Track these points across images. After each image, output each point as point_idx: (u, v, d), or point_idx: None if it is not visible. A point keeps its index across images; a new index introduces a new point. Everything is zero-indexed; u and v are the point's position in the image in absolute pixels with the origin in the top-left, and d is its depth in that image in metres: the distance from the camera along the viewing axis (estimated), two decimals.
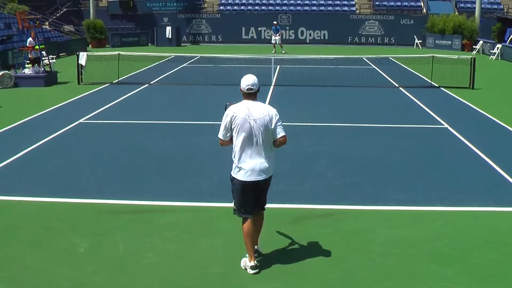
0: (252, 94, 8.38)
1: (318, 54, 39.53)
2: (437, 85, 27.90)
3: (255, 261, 8.52)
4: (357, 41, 56.52)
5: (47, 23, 53.30)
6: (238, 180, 8.34)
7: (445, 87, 27.34)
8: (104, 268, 8.66)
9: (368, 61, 38.42)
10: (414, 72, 33.65)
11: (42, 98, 24.41)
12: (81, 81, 28.58)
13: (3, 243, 9.66)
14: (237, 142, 8.29)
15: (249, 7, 59.81)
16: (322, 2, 59.66)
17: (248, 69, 32.95)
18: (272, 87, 27.04)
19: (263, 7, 59.73)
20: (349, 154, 15.36)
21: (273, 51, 45.91)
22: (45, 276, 8.40)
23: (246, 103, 8.37)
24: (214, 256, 9.04)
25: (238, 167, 8.31)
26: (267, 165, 8.34)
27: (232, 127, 8.29)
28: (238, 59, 36.08)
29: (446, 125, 18.85)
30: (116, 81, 28.91)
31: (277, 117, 8.37)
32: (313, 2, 59.88)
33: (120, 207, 11.34)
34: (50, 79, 28.56)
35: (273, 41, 47.86)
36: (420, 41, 54.03)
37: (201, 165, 14.28)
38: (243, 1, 60.38)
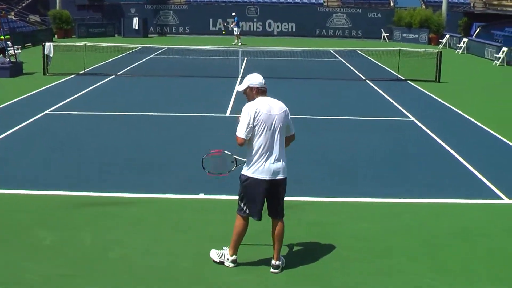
0: (265, 91, 8.21)
1: (286, 46, 39.58)
2: (403, 78, 28.09)
3: (236, 256, 8.45)
4: (325, 33, 56.65)
5: (12, 13, 52.67)
6: (255, 179, 8.03)
7: (411, 80, 27.54)
8: (71, 262, 8.59)
9: (335, 54, 38.55)
10: (381, 65, 33.85)
11: (6, 89, 24.13)
12: (47, 72, 28.31)
13: None
14: (259, 139, 8.00)
15: None
16: None
17: (215, 60, 32.97)
18: (239, 79, 27.00)
19: None
20: (314, 146, 15.40)
21: (237, 43, 45.91)
22: (12, 271, 8.31)
23: (265, 100, 8.14)
24: (182, 251, 9.01)
25: (258, 165, 8.02)
26: (284, 164, 8.16)
27: (255, 124, 7.99)
28: (205, 51, 35.98)
29: (412, 118, 18.99)
30: (82, 72, 28.68)
31: (288, 113, 8.28)
32: None
33: (86, 199, 11.24)
34: (15, 70, 28.24)
35: (235, 33, 47.88)
36: (387, 34, 54.32)
37: (169, 157, 14.23)
38: None
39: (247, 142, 8.02)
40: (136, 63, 33.20)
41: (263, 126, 7.96)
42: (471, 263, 8.82)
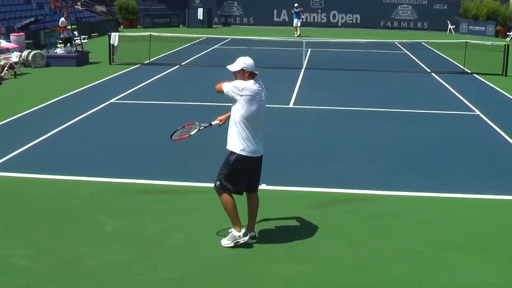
0: (255, 75, 8.58)
1: (350, 37, 39.32)
2: (469, 71, 27.64)
3: (245, 228, 8.78)
4: (390, 25, 56.04)
5: (79, 3, 53.44)
6: (245, 156, 8.51)
7: (477, 74, 27.07)
8: (130, 248, 8.73)
9: (400, 46, 38.13)
10: (446, 57, 33.36)
11: (73, 77, 24.55)
12: (113, 62, 28.71)
13: (31, 221, 9.76)
14: (249, 119, 8.44)
15: None
16: None
17: (279, 51, 32.93)
18: (302, 70, 26.97)
19: None
20: (377, 139, 15.29)
21: (298, 34, 45.73)
22: (73, 255, 8.48)
23: (256, 83, 8.55)
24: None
25: (249, 143, 8.48)
26: (262, 141, 8.71)
27: (243, 101, 8.39)
28: (269, 42, 35.97)
29: (477, 112, 18.69)
30: (147, 62, 28.99)
31: None
32: None
33: (146, 187, 11.42)
34: (81, 59, 28.72)
35: (295, 24, 47.58)
36: (453, 26, 53.48)
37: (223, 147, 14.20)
38: None
39: (241, 122, 8.45)
40: (200, 54, 33.38)
41: (252, 106, 8.39)
42: None
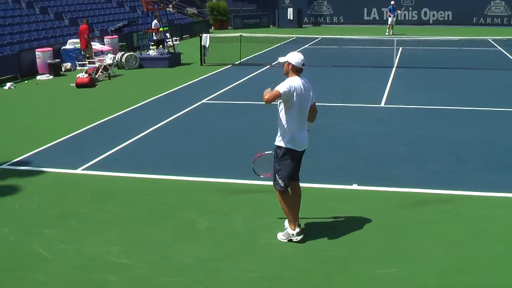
0: (300, 71, 8.76)
1: (442, 35, 38.72)
2: None
3: (300, 227, 8.95)
4: (482, 22, 54.89)
5: (171, 5, 54.32)
6: (294, 150, 8.72)
7: None
8: (221, 246, 8.87)
9: (493, 43, 37.31)
10: None
11: (166, 78, 25.00)
12: (204, 62, 29.08)
13: (125, 218, 10.02)
14: (293, 114, 8.63)
15: None
16: None
17: (370, 50, 32.70)
18: (394, 69, 26.72)
19: None
20: (470, 138, 15.01)
21: (390, 33, 45.13)
22: (165, 252, 8.68)
23: (301, 79, 8.71)
24: (331, 238, 9.05)
25: (293, 138, 8.68)
26: (308, 137, 8.95)
27: (294, 99, 8.54)
28: (360, 41, 35.75)
29: None
30: (238, 62, 29.23)
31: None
32: None
33: (235, 186, 11.56)
34: (174, 60, 29.20)
35: (390, 22, 46.83)
36: None
37: (327, 145, 14.20)
38: None
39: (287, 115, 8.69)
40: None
41: (298, 102, 8.60)
42: None
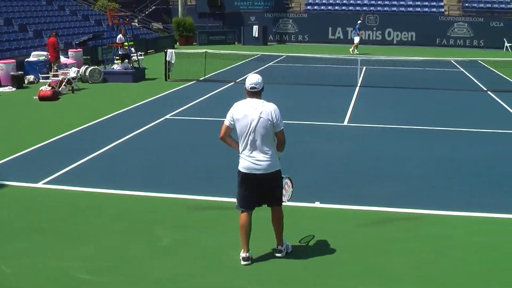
0: (255, 93, 8.64)
1: (405, 55, 39.08)
2: None
3: (248, 253, 8.80)
4: (445, 43, 55.56)
5: (136, 20, 54.21)
6: (243, 172, 8.68)
7: None
8: (190, 263, 8.83)
9: (456, 64, 37.78)
10: (503, 76, 32.92)
11: (130, 93, 24.91)
12: (168, 78, 29.02)
13: (90, 234, 9.92)
14: (239, 135, 8.64)
15: (336, 7, 59.40)
16: (410, 3, 58.81)
17: (334, 69, 32.89)
18: (357, 88, 26.90)
19: (350, 7, 59.24)
20: (434, 158, 15.15)
21: (354, 52, 45.37)
22: (130, 268, 8.62)
23: (248, 101, 8.65)
24: (300, 257, 9.04)
25: (242, 159, 8.67)
26: (265, 161, 8.54)
27: (235, 123, 8.63)
28: (324, 59, 35.96)
29: None
30: (202, 78, 29.22)
31: (277, 113, 8.56)
32: (401, 2, 59.05)
33: (205, 203, 11.52)
34: (138, 75, 29.11)
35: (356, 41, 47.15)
36: (510, 44, 52.81)
37: (289, 164, 14.22)
38: (330, 1, 59.94)
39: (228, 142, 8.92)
40: (256, 70, 33.45)
41: (240, 125, 8.58)
42: None
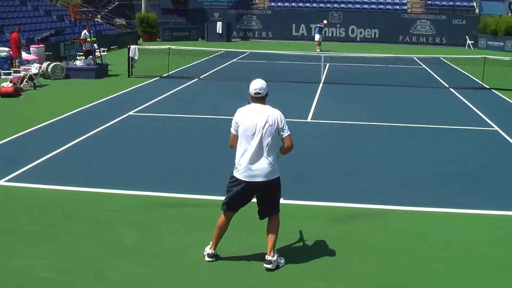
0: (259, 98, 8.53)
1: (368, 52, 39.29)
2: (488, 87, 27.53)
3: (214, 250, 8.75)
4: (408, 40, 56.01)
5: (99, 16, 53.82)
6: (236, 178, 8.46)
7: (496, 89, 26.95)
8: (153, 261, 8.74)
9: (418, 61, 38.07)
10: (465, 73, 33.24)
11: (92, 90, 24.69)
12: (132, 74, 28.84)
13: (52, 232, 9.80)
14: (240, 139, 8.44)
15: (299, 4, 59.58)
16: (374, 0, 59.22)
17: (298, 66, 32.94)
18: (321, 84, 26.98)
19: (314, 4, 59.45)
20: (398, 154, 15.26)
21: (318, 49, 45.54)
22: (94, 267, 8.51)
23: (252, 106, 8.52)
24: (262, 253, 9.03)
25: (238, 164, 8.46)
26: (267, 168, 8.38)
27: (237, 127, 8.44)
28: (288, 56, 36.02)
29: (496, 128, 18.60)
30: (166, 74, 29.09)
31: (282, 119, 8.48)
32: (364, 0, 59.48)
33: (166, 200, 11.43)
34: (100, 71, 28.88)
35: (317, 39, 47.42)
36: (472, 41, 53.36)
37: None
38: None
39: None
40: (219, 67, 33.47)
41: (242, 130, 8.38)
42: None
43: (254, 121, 8.34)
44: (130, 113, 19.59)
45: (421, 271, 8.64)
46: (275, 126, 8.36)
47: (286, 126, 8.49)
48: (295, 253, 9.06)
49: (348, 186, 12.54)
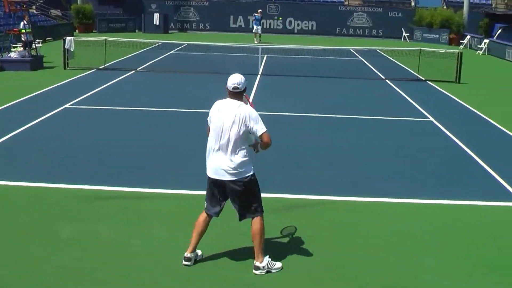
0: (236, 94, 8.28)
1: (306, 44, 39.51)
2: (423, 79, 27.98)
3: (191, 254, 8.42)
4: (345, 32, 56.54)
5: (34, 7, 52.95)
6: (207, 176, 8.34)
7: (431, 81, 27.42)
8: (92, 255, 8.64)
9: (355, 53, 38.46)
10: (401, 65, 33.73)
11: (28, 82, 24.27)
12: (67, 66, 28.46)
13: None
14: (210, 136, 8.28)
15: None
16: None
17: (235, 57, 32.94)
18: (258, 76, 27.02)
19: None
20: (336, 145, 15.40)
21: (257, 41, 45.61)
22: (32, 262, 8.38)
23: (226, 101, 8.30)
24: (202, 244, 9.02)
25: (207, 160, 8.32)
26: (231, 167, 8.13)
27: (209, 121, 8.32)
28: (225, 48, 35.98)
29: (431, 119, 18.92)
30: (102, 66, 28.79)
31: (252, 118, 8.19)
32: None
33: (105, 193, 11.31)
34: (36, 63, 28.40)
35: (254, 30, 47.55)
36: (408, 34, 54.11)
37: (187, 153, 14.25)
38: None
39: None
40: (156, 59, 33.26)
41: (212, 125, 8.23)
42: (502, 264, 8.81)
43: (222, 118, 8.11)
44: (66, 105, 19.32)
45: (359, 259, 8.74)
46: (242, 125, 8.08)
47: (260, 124, 8.19)
48: (229, 246, 9.03)
49: (286, 177, 12.60)
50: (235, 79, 8.25)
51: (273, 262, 8.35)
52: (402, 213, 10.82)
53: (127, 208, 10.53)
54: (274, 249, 8.83)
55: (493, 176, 13.14)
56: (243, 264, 8.44)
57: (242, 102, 8.26)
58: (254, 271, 8.23)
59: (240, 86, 8.24)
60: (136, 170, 12.86)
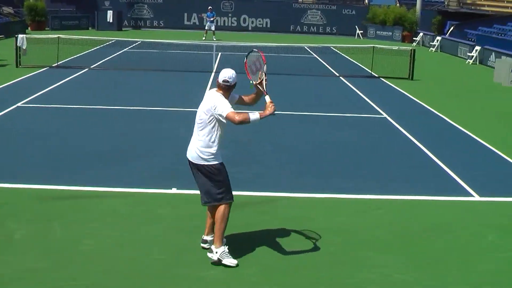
0: (225, 88, 8.46)
1: (260, 41, 39.57)
2: (377, 76, 28.24)
3: (206, 236, 8.84)
4: (299, 30, 56.69)
5: None
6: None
7: (385, 78, 27.69)
8: (43, 255, 8.57)
9: (309, 50, 38.61)
10: (354, 62, 33.98)
11: None
12: (20, 64, 28.11)
13: None
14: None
15: None
16: None
17: (190, 55, 32.88)
18: (213, 74, 26.98)
19: None
20: (289, 142, 15.47)
21: (204, 38, 45.58)
22: None
23: (211, 91, 8.57)
24: (152, 243, 9.02)
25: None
26: (195, 152, 8.46)
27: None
28: (180, 45, 35.89)
29: (384, 115, 19.11)
30: (55, 64, 28.46)
31: (215, 105, 8.30)
32: None
33: (57, 192, 11.21)
34: None
35: (206, 27, 47.47)
36: (362, 31, 54.46)
37: (141, 151, 14.20)
38: None
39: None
40: (110, 57, 33.02)
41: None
42: (443, 258, 8.96)
43: (201, 105, 8.43)
44: (19, 104, 19.10)
45: (311, 254, 8.85)
46: (207, 112, 8.32)
47: (222, 108, 8.25)
48: (183, 243, 9.05)
49: (238, 173, 12.61)
50: (226, 73, 8.48)
51: (228, 255, 8.42)
52: (354, 208, 10.97)
53: (80, 207, 10.46)
54: (228, 244, 8.86)
55: (446, 171, 13.34)
56: (200, 262, 8.45)
57: (221, 94, 8.45)
58: (208, 253, 8.49)
59: (231, 80, 8.48)
60: (89, 169, 12.77)
